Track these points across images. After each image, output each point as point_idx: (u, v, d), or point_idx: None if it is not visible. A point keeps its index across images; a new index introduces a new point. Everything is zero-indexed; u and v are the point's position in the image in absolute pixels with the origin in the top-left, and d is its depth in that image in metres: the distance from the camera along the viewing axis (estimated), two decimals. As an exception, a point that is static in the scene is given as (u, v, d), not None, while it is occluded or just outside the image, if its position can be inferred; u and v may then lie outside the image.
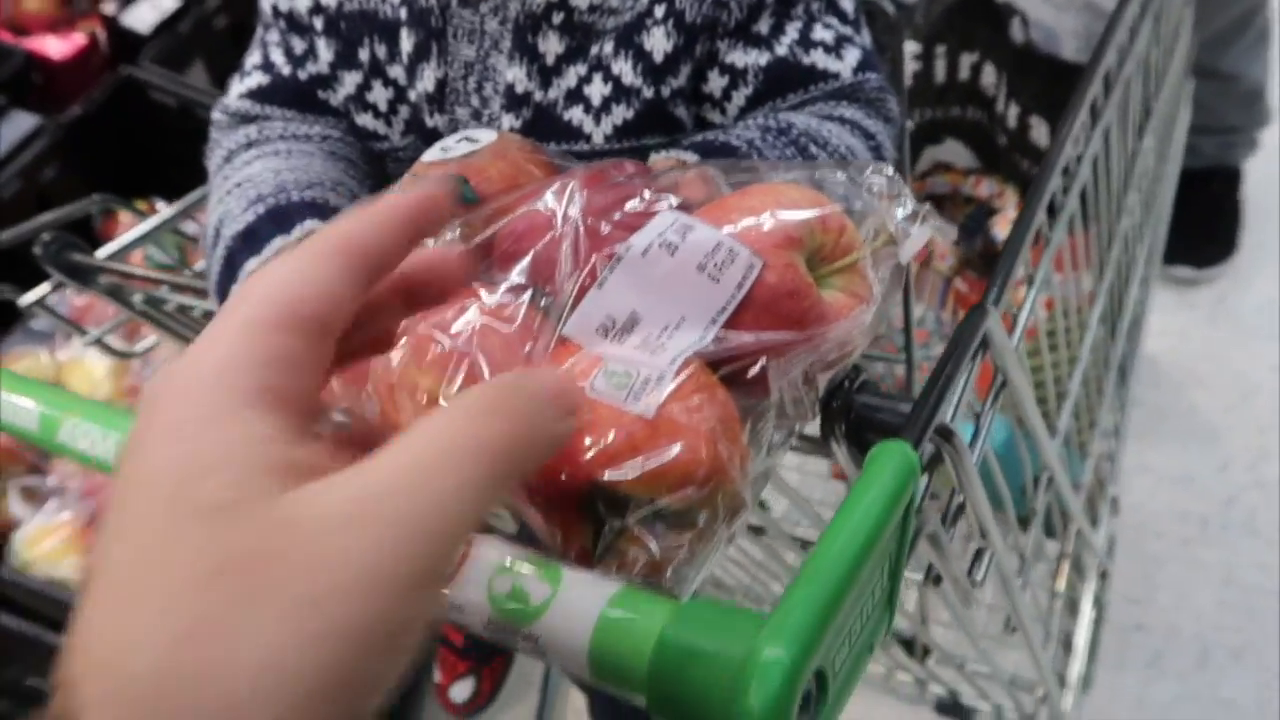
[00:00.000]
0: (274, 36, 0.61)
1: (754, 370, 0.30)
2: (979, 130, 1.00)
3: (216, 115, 0.63)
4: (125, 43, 1.51)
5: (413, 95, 0.58)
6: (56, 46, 1.48)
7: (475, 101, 0.58)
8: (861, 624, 0.27)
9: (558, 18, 0.54)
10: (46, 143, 1.31)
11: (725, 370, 0.30)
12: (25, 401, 0.42)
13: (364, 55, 0.59)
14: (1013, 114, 0.93)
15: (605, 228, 0.32)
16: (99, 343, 0.78)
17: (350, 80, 0.59)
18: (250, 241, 0.51)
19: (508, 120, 0.56)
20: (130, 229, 0.75)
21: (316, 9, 0.58)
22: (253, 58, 0.62)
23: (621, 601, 0.27)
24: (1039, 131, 0.91)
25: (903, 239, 0.33)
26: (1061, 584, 0.76)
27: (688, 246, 0.30)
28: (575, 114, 0.55)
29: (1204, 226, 1.65)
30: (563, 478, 0.29)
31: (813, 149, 0.51)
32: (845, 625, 0.26)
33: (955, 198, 1.05)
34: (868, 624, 0.28)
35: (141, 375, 1.16)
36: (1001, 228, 0.97)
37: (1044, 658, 0.63)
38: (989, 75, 1.06)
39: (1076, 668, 0.90)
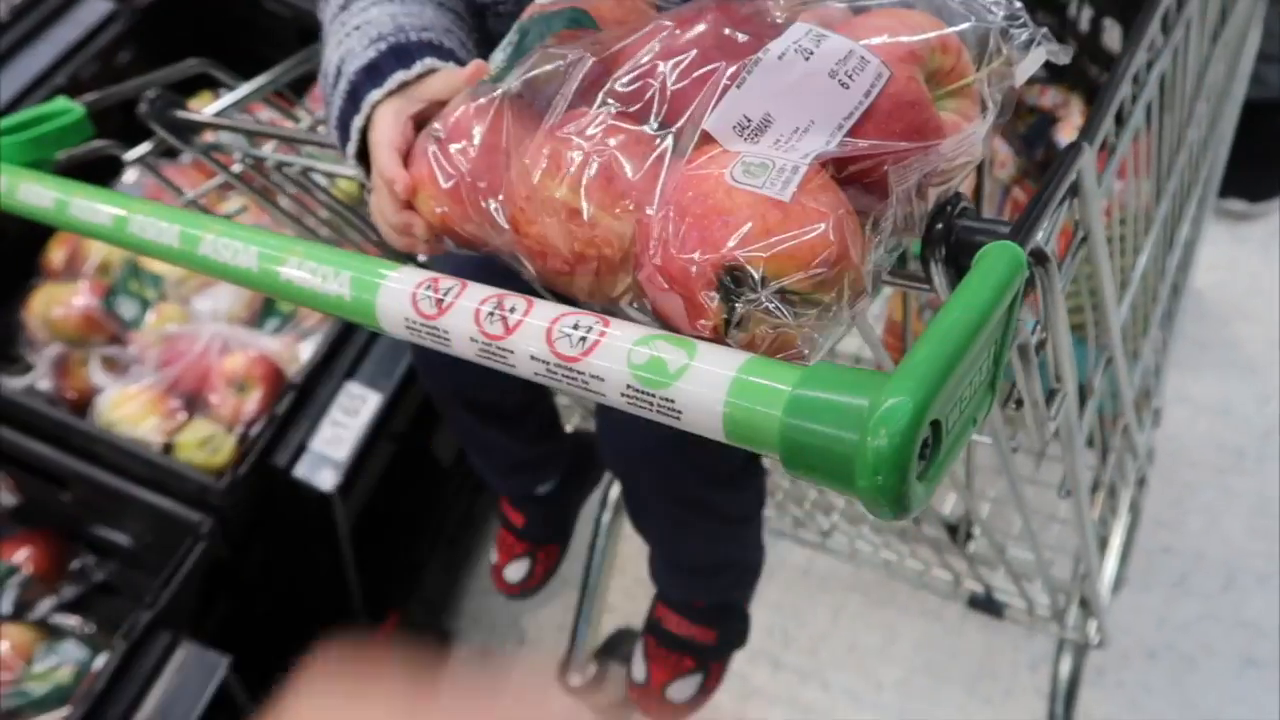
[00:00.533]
0: None
1: (875, 174, 0.32)
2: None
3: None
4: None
5: None
6: (127, -68, 1.49)
7: None
8: (969, 396, 0.30)
9: None
10: (121, 27, 1.34)
11: (848, 172, 0.33)
12: (245, 246, 0.44)
13: None
14: (1085, 17, 0.93)
15: (741, 37, 0.34)
16: (193, 204, 0.81)
17: None
18: (373, 75, 0.54)
19: None
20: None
21: None
22: None
23: (753, 366, 0.30)
24: (1112, 35, 0.91)
25: (1018, 61, 0.35)
26: (1106, 476, 0.78)
27: (821, 54, 0.32)
28: None
29: (1262, 159, 1.62)
30: (698, 259, 0.32)
31: None
32: (957, 390, 0.29)
33: (1019, 107, 1.06)
34: (974, 398, 0.31)
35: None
36: (1065, 134, 0.98)
37: (1090, 526, 0.66)
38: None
39: (1110, 566, 0.93)
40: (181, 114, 0.72)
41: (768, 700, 1.41)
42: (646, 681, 0.90)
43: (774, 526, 1.19)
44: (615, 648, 1.35)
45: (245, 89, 0.79)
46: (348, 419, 1.12)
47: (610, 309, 0.38)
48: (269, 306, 1.19)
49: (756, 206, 0.31)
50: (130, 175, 1.24)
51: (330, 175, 0.68)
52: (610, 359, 0.33)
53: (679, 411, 0.31)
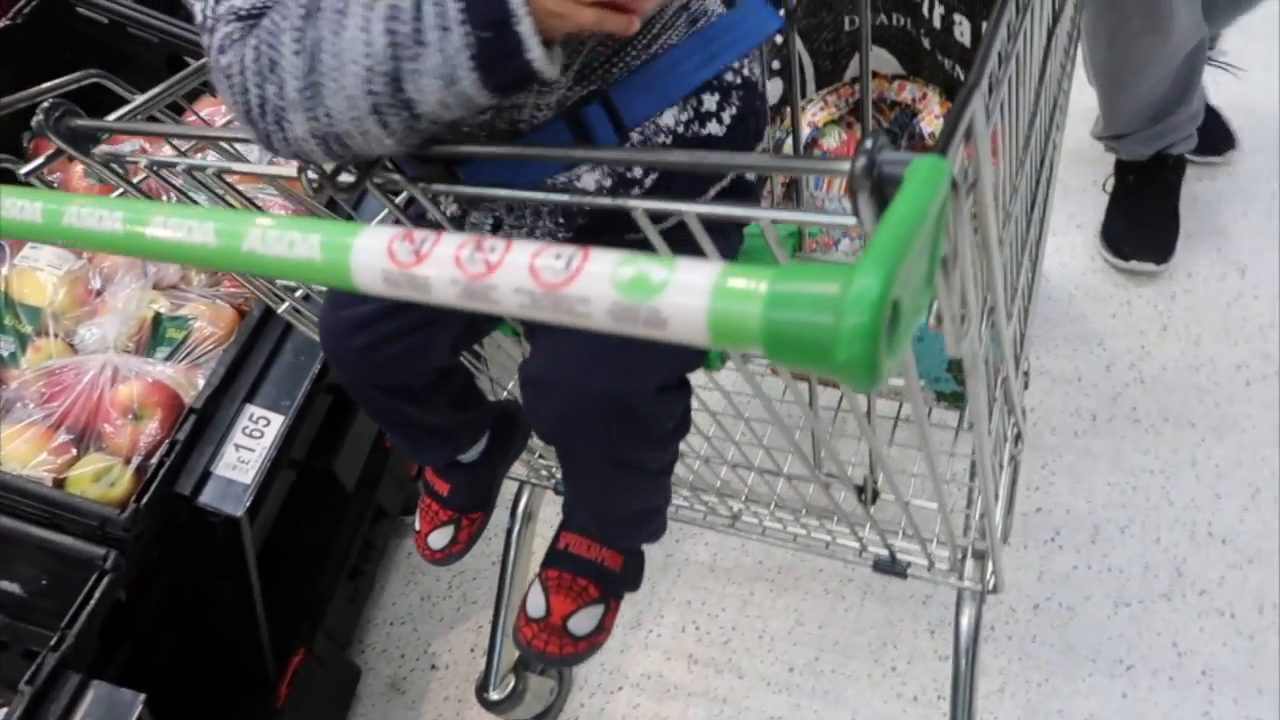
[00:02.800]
0: None
1: None
2: (903, 36, 1.09)
3: (222, 30, 0.59)
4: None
5: None
6: (-28, -41, 1.43)
7: None
8: (916, 284, 0.35)
9: None
10: (-30, 55, 1.28)
11: None
12: (200, 223, 0.44)
13: None
14: (937, 15, 1.02)
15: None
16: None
17: None
18: None
19: None
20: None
21: None
22: None
23: (731, 271, 0.34)
24: (963, 29, 1.01)
25: None
26: (992, 425, 0.86)
27: None
28: None
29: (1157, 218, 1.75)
30: None
31: None
32: (909, 277, 0.33)
33: (880, 104, 1.15)
34: (919, 286, 0.35)
35: (93, 282, 1.16)
36: (927, 124, 1.07)
37: (989, 458, 0.73)
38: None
39: (999, 514, 1.01)
40: (82, 123, 0.71)
41: (686, 695, 1.45)
42: (547, 614, 0.90)
43: (685, 516, 1.23)
44: (530, 661, 1.36)
45: (141, 99, 0.78)
46: (251, 442, 1.10)
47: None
48: (158, 334, 1.15)
49: None
50: None
51: (250, 175, 0.68)
52: (595, 280, 0.36)
53: (664, 321, 0.35)
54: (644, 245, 0.52)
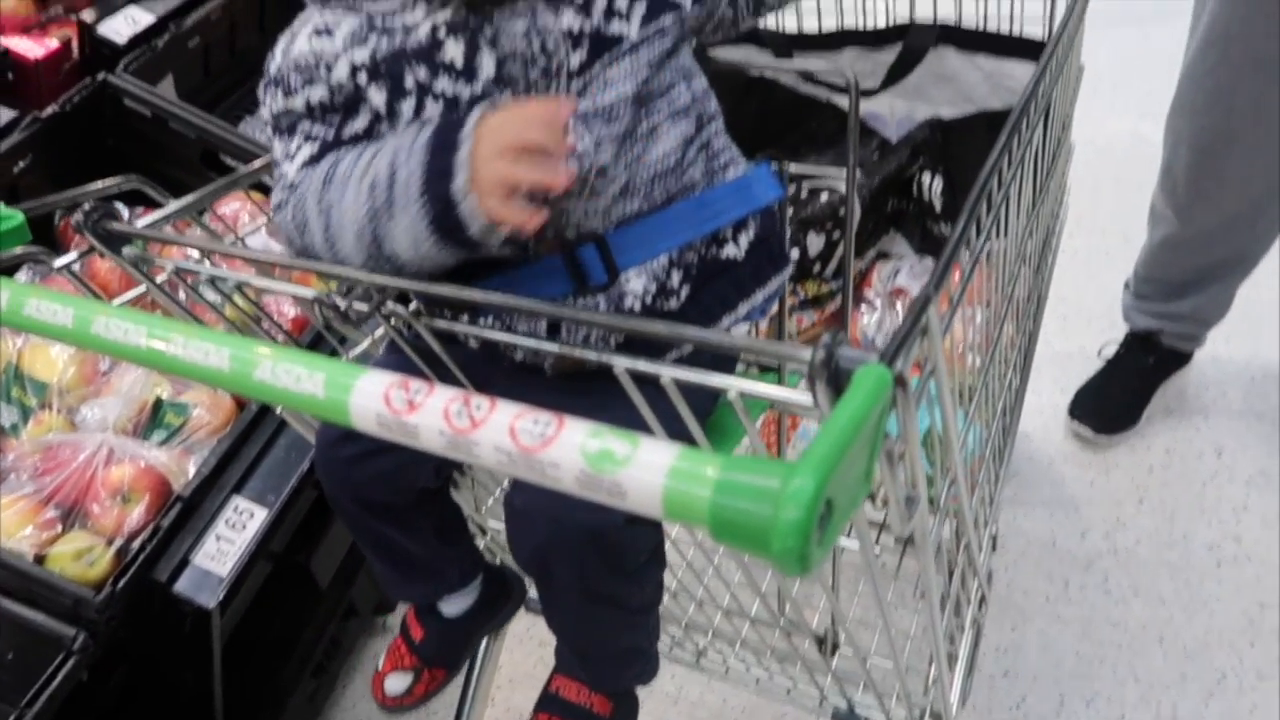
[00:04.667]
0: (305, 127, 0.73)
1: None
2: (908, 218, 1.17)
3: (279, 194, 0.74)
4: (98, 51, 1.56)
5: (470, 92, 0.70)
6: (31, 47, 1.53)
7: (542, 59, 0.70)
8: (852, 483, 0.38)
9: None
10: (21, 136, 1.35)
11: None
12: (217, 348, 0.49)
13: (410, 82, 0.70)
14: (928, 187, 1.10)
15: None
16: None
17: (407, 106, 0.70)
18: (450, 127, 0.65)
19: (576, 57, 0.70)
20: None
21: (356, 69, 0.71)
22: (285, 147, 0.74)
23: (685, 455, 0.38)
24: (947, 196, 1.08)
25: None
26: (952, 590, 0.88)
27: None
28: (616, 25, 0.71)
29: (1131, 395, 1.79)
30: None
31: None
32: (845, 478, 0.37)
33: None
34: (856, 484, 0.39)
35: (102, 363, 1.20)
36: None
37: (939, 624, 0.75)
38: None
39: (958, 678, 1.02)
40: (118, 227, 0.76)
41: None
42: None
43: (651, 647, 1.24)
44: (486, 777, 1.34)
45: (173, 207, 0.84)
46: (233, 534, 1.12)
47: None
48: (157, 417, 1.19)
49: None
50: (22, 276, 1.23)
51: (269, 292, 0.73)
52: (566, 449, 0.39)
53: (624, 493, 0.38)
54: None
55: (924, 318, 0.49)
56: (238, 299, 0.86)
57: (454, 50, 0.69)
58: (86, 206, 0.77)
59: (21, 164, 1.36)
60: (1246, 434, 1.81)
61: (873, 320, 1.29)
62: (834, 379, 0.47)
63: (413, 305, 0.70)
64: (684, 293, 0.76)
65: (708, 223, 0.77)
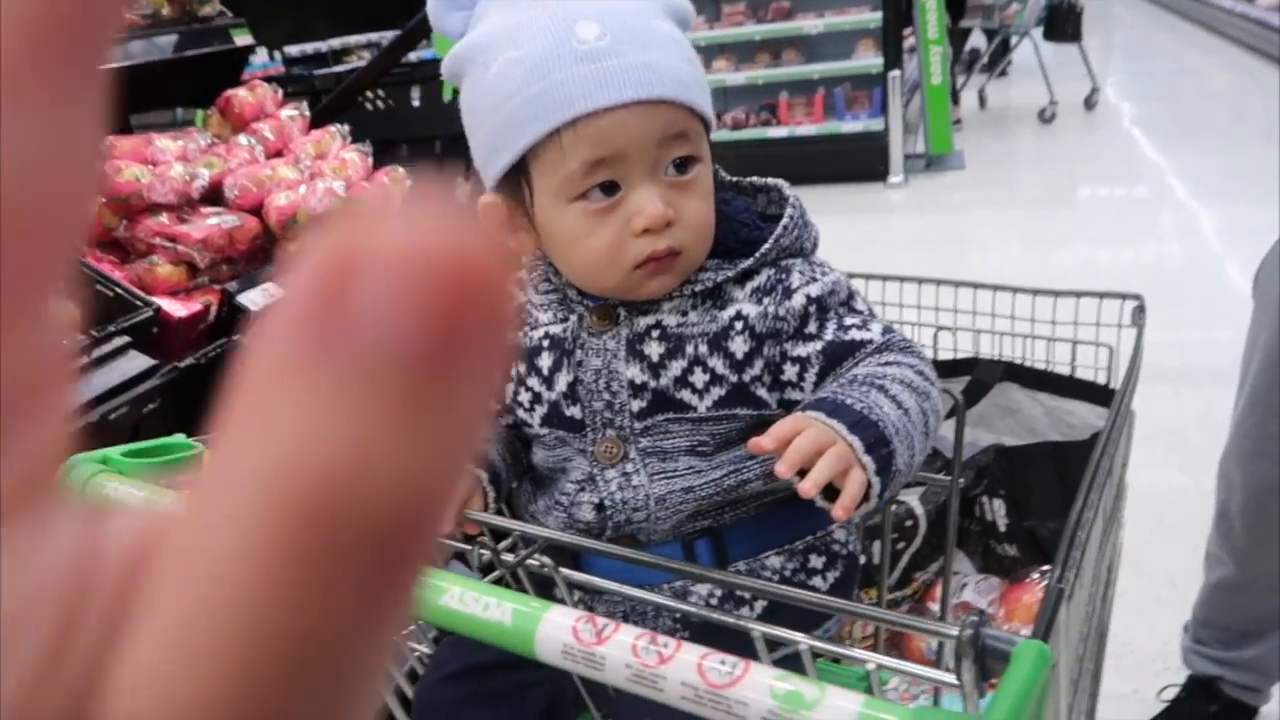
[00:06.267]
0: None
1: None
2: (972, 537, 1.23)
3: None
4: (234, 315, 1.74)
5: (549, 395, 0.80)
6: (177, 308, 1.70)
7: (606, 395, 0.80)
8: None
9: (656, 333, 0.79)
10: (157, 382, 1.48)
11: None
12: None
13: (512, 370, 0.82)
14: (990, 509, 1.16)
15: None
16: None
17: (506, 389, 0.81)
18: None
19: (636, 403, 0.79)
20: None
21: (547, 337, 0.83)
22: None
23: (871, 704, 0.42)
24: (1012, 518, 1.13)
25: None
26: None
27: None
28: (685, 394, 0.78)
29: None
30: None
31: (877, 384, 0.72)
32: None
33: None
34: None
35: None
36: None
37: None
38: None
39: None
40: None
41: None
42: None
43: None
44: None
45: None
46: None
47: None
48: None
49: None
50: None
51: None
52: (754, 689, 0.43)
53: (812, 735, 0.42)
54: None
55: (1058, 609, 0.54)
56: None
57: (547, 360, 0.81)
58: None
59: (150, 406, 1.47)
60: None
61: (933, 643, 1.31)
62: (980, 656, 0.51)
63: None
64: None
65: (808, 523, 0.83)
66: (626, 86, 0.70)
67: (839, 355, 0.78)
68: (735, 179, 0.87)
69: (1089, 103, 6.45)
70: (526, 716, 0.86)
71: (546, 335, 0.82)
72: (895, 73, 4.92)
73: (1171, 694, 1.81)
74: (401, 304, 0.10)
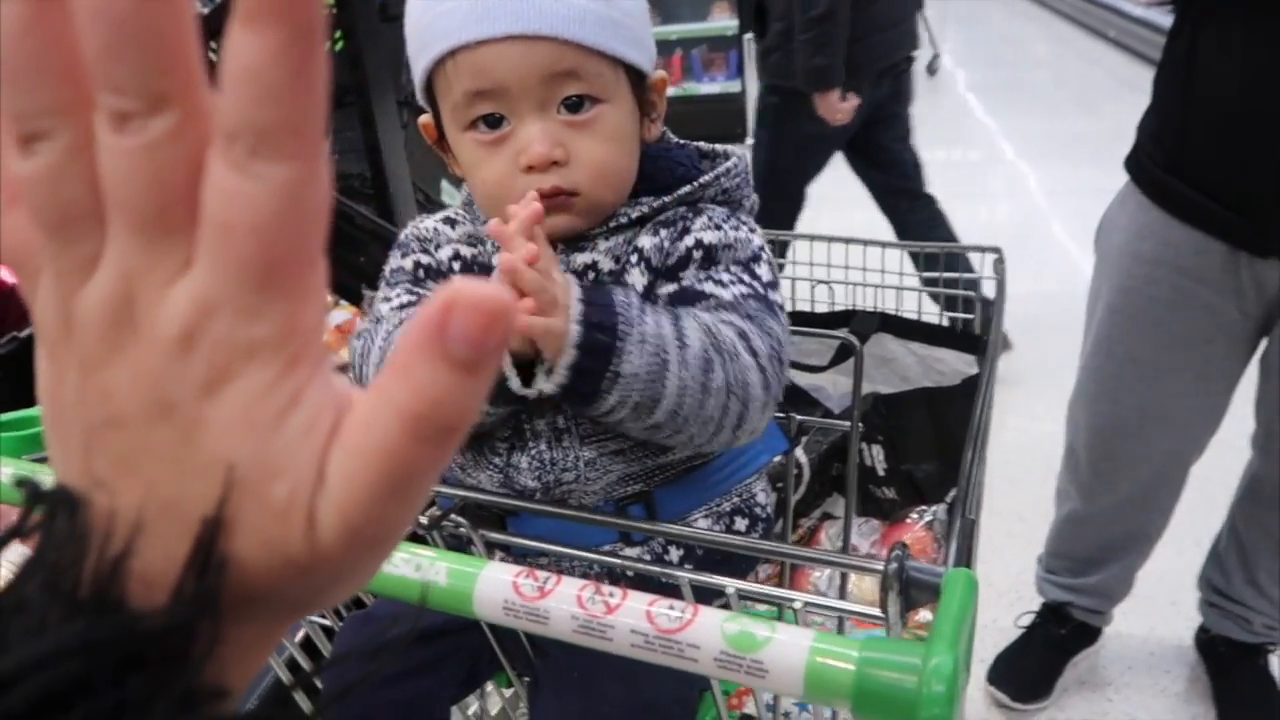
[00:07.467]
0: (405, 283, 0.83)
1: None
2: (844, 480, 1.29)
3: (365, 323, 0.82)
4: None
5: None
6: (13, 276, 1.56)
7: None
8: (963, 663, 0.43)
9: (591, 275, 0.78)
10: (-9, 357, 1.35)
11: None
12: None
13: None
14: (871, 456, 1.21)
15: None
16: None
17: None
18: None
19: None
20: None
21: (455, 257, 0.82)
22: (386, 294, 0.82)
23: (824, 637, 0.42)
24: (890, 462, 1.18)
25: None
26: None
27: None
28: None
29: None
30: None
31: (672, 313, 0.71)
32: (962, 660, 0.42)
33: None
34: (966, 662, 0.44)
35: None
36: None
37: None
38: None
39: None
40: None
41: None
42: None
43: None
44: None
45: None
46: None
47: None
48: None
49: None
50: None
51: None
52: (705, 631, 0.43)
53: (765, 671, 0.42)
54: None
55: (974, 539, 0.56)
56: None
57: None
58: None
59: (-15, 383, 1.35)
60: (1154, 704, 1.89)
61: (824, 576, 1.35)
62: (904, 590, 0.52)
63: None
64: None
65: (731, 477, 0.84)
66: (500, 20, 0.70)
67: (685, 302, 0.75)
68: (685, 141, 0.87)
69: (930, 69, 6.73)
70: (445, 688, 0.84)
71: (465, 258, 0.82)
72: (749, 35, 4.99)
73: (1028, 621, 1.95)
74: (469, 327, 0.21)
